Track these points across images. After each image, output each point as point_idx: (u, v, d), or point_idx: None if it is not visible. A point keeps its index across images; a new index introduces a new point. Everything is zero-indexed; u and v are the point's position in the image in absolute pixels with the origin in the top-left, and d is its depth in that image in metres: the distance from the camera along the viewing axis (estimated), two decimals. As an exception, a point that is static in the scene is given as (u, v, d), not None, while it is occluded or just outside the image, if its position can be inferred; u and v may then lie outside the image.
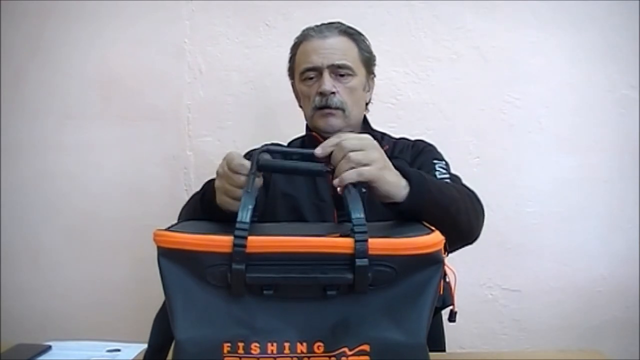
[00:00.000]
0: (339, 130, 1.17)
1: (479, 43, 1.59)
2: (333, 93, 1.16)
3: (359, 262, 0.62)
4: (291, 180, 1.19)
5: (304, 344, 0.65)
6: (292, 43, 1.26)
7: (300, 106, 1.28)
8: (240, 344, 0.65)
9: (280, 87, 1.43)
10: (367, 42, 1.25)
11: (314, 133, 1.23)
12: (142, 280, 1.68)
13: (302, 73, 1.21)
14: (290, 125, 1.39)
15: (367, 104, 1.27)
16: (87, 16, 1.66)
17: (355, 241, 0.63)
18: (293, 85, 1.29)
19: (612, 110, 1.60)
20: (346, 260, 0.63)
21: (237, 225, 0.64)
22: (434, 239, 0.65)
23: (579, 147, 1.60)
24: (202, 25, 1.65)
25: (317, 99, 1.18)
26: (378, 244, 0.64)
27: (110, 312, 1.68)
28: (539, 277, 1.60)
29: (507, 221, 1.59)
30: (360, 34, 1.25)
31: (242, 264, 0.64)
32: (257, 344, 0.65)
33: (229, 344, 0.65)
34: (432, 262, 0.65)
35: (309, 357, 0.65)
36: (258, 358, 0.64)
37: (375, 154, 0.76)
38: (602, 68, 1.59)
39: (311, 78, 1.20)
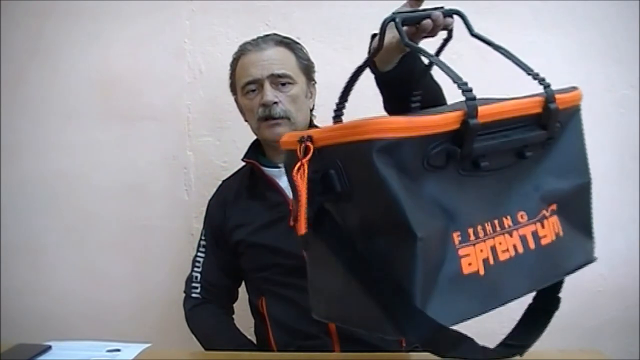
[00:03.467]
0: None
1: (479, 43, 1.58)
2: (276, 103, 1.19)
3: (552, 106, 0.69)
4: (240, 207, 1.26)
5: (508, 217, 0.65)
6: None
7: (246, 120, 1.30)
8: (470, 230, 0.61)
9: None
10: (305, 50, 1.28)
11: (246, 159, 1.28)
12: (142, 280, 1.69)
13: (244, 87, 1.23)
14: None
15: (311, 110, 1.29)
16: (87, 16, 1.66)
17: (546, 96, 0.69)
18: (236, 100, 1.32)
19: (612, 110, 1.60)
20: (535, 119, 0.68)
21: (466, 95, 0.61)
22: (580, 92, 0.79)
23: (579, 147, 1.60)
24: (202, 25, 1.65)
25: (261, 110, 1.20)
26: (559, 99, 0.70)
27: (110, 312, 1.68)
28: (539, 277, 1.60)
29: (507, 221, 1.59)
30: (296, 42, 1.27)
31: (474, 133, 0.59)
32: (481, 227, 0.62)
33: (458, 233, 0.60)
34: (577, 111, 0.79)
35: (517, 229, 0.65)
36: (484, 241, 0.62)
37: None
38: (602, 68, 1.59)
39: (253, 91, 1.22)
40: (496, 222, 0.64)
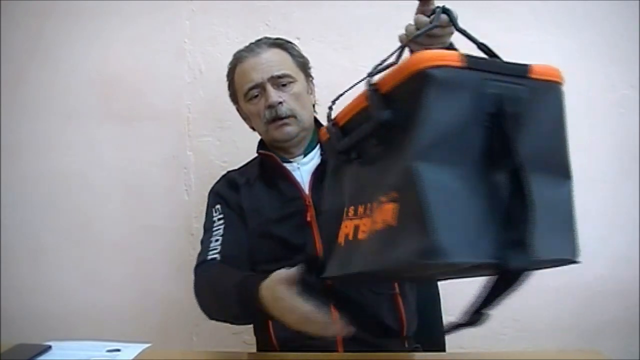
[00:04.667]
0: (296, 136, 1.22)
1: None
2: (280, 103, 1.19)
3: (369, 92, 0.68)
4: (256, 193, 1.23)
5: (374, 203, 0.67)
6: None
7: (252, 127, 1.31)
8: (350, 208, 0.75)
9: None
10: (297, 48, 1.29)
11: (261, 152, 1.26)
12: (142, 280, 1.68)
13: (246, 93, 1.23)
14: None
15: (313, 106, 1.30)
16: (87, 16, 1.67)
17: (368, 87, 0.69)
18: (239, 110, 1.32)
19: (612, 110, 1.60)
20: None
21: None
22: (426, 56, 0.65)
23: (579, 147, 1.59)
24: (202, 25, 1.65)
25: (267, 112, 1.21)
26: (384, 81, 0.68)
27: (110, 312, 1.67)
28: (539, 277, 1.59)
29: (507, 221, 1.59)
30: (288, 42, 1.28)
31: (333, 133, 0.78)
32: (353, 208, 0.72)
33: (346, 209, 0.75)
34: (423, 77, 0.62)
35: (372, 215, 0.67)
36: (351, 219, 0.73)
37: None
38: (602, 68, 1.59)
39: (256, 96, 1.22)
40: (367, 205, 0.69)
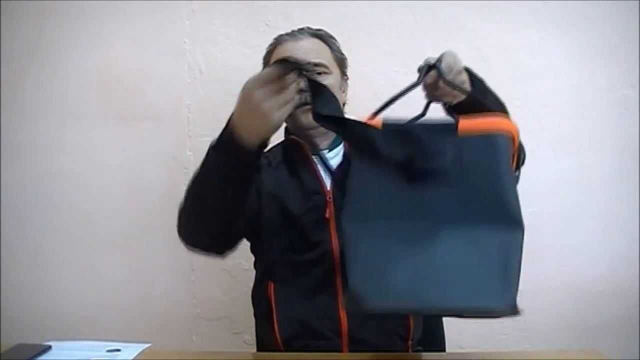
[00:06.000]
0: (320, 127, 1.19)
1: (479, 43, 1.59)
2: None
3: None
4: (278, 178, 1.20)
5: None
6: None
7: None
8: None
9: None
10: (338, 44, 1.27)
11: (293, 137, 1.23)
12: (142, 280, 1.68)
13: None
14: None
15: (344, 105, 1.28)
16: (87, 16, 1.66)
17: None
18: None
19: (612, 110, 1.60)
20: None
21: None
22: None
23: (579, 147, 1.60)
24: (202, 25, 1.65)
25: (297, 97, 1.18)
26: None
27: (110, 312, 1.68)
28: (539, 277, 1.60)
29: (507, 221, 1.59)
30: (331, 36, 1.27)
31: None
32: None
33: None
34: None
35: None
36: None
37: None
38: (602, 68, 1.59)
39: None
40: None
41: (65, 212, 1.69)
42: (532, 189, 1.61)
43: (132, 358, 0.99)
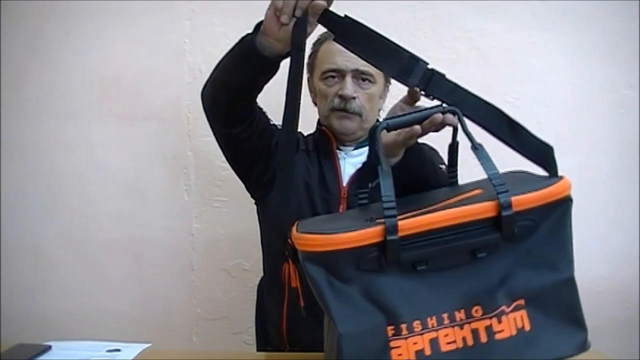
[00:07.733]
0: (353, 134, 1.21)
1: (479, 43, 1.59)
2: (353, 98, 1.18)
3: (505, 213, 0.66)
4: (302, 163, 1.21)
5: (462, 310, 0.67)
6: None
7: (314, 102, 1.28)
8: (403, 325, 0.66)
9: (279, 87, 1.42)
10: None
11: (323, 128, 1.24)
12: (141, 280, 1.69)
13: (324, 72, 1.21)
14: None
15: (380, 110, 1.28)
16: (87, 16, 1.66)
17: (500, 203, 0.66)
18: (309, 80, 1.29)
19: (612, 110, 1.60)
20: (490, 222, 0.67)
21: (386, 212, 0.65)
22: (566, 183, 0.73)
23: (579, 147, 1.60)
24: (202, 25, 1.65)
25: (337, 100, 1.19)
26: (520, 201, 0.67)
27: (110, 312, 1.68)
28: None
29: (507, 221, 1.59)
30: None
31: (396, 247, 0.65)
32: (419, 321, 0.67)
33: (392, 327, 0.66)
34: (561, 203, 0.70)
35: (469, 323, 0.67)
36: (422, 334, 0.67)
37: None
38: (602, 68, 1.59)
39: (333, 77, 1.20)
40: (445, 315, 0.67)
41: (65, 212, 1.69)
42: (532, 189, 1.61)
43: (132, 358, 0.99)
